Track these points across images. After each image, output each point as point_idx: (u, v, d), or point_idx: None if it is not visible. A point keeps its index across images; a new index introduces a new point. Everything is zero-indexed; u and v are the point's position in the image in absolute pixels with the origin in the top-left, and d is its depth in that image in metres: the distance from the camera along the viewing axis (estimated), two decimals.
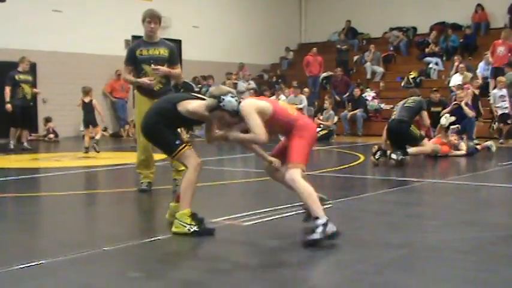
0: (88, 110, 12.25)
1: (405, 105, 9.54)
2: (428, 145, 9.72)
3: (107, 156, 11.50)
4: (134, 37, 18.92)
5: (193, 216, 4.57)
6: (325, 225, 4.18)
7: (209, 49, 20.02)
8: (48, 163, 10.67)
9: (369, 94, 17.79)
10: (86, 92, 12.39)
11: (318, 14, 23.81)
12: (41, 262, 3.74)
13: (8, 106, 12.88)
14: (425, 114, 9.79)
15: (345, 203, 5.94)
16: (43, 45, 16.17)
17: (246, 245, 4.36)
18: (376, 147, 9.30)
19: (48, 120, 16.24)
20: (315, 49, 19.88)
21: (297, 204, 5.62)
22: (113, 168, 9.61)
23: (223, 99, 4.41)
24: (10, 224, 5.35)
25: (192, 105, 4.62)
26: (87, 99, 12.32)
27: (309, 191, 4.44)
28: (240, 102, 4.47)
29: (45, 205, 6.36)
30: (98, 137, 12.19)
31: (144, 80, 6.57)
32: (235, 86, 18.67)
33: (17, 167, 9.72)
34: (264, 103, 4.58)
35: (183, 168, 5.84)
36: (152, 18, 6.66)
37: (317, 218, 4.25)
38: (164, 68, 6.60)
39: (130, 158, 10.56)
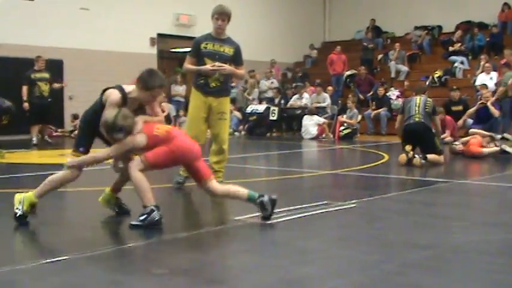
0: None
1: (426, 110, 9.08)
2: (443, 158, 9.25)
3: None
4: (159, 35, 19.03)
5: None
6: (149, 214, 4.55)
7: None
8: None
9: (393, 93, 17.63)
10: None
11: (342, 13, 23.68)
12: (66, 257, 3.74)
13: (25, 105, 13.17)
14: (437, 119, 9.46)
15: (369, 202, 5.88)
16: (70, 43, 16.30)
17: (270, 243, 4.33)
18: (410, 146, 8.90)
19: (75, 117, 16.33)
20: (339, 47, 19.78)
21: (322, 203, 5.59)
22: None
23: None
24: (35, 219, 5.38)
25: None
26: None
27: (140, 181, 4.66)
28: None
29: (69, 200, 6.39)
30: None
31: (206, 66, 6.51)
32: (257, 84, 18.64)
33: (41, 162, 9.78)
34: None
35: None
36: (220, 15, 6.58)
37: (145, 206, 4.58)
38: (229, 67, 6.54)
39: None
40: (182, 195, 6.73)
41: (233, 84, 17.76)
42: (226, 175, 7.09)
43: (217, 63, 6.53)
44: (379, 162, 9.60)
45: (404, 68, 19.74)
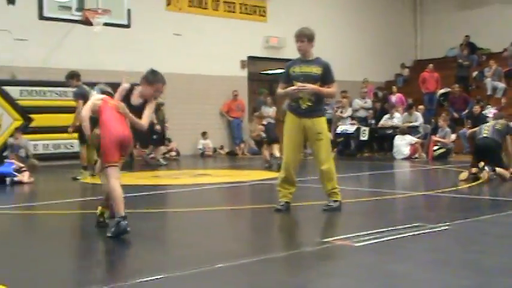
0: None
1: (496, 127, 9.76)
2: (509, 173, 9.61)
3: (223, 174, 11.72)
4: (250, 58, 19.30)
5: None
6: (117, 225, 4.99)
7: None
8: (168, 180, 11.01)
9: (490, 111, 16.98)
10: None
11: (434, 30, 23.16)
12: (159, 277, 3.83)
13: (158, 127, 13.87)
14: (509, 139, 9.91)
15: (463, 224, 5.67)
16: (163, 68, 16.64)
17: (358, 266, 4.25)
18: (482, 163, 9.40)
19: (169, 140, 16.78)
20: (431, 65, 19.34)
21: (414, 225, 5.44)
22: (230, 186, 9.77)
23: None
24: (132, 239, 5.54)
25: None
26: None
27: (114, 190, 5.16)
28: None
29: (165, 221, 6.55)
30: (277, 153, 12.30)
31: (290, 88, 6.59)
32: (350, 103, 18.50)
33: (139, 183, 10.09)
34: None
35: None
36: (298, 37, 6.63)
37: (113, 216, 5.04)
38: (311, 85, 6.50)
39: (245, 176, 10.70)
40: (271, 217, 6.74)
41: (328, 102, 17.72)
42: (314, 195, 7.06)
43: (299, 84, 6.57)
44: (475, 183, 9.25)
45: (502, 85, 19.00)
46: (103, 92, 5.96)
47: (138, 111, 5.58)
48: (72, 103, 14.73)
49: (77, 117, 10.21)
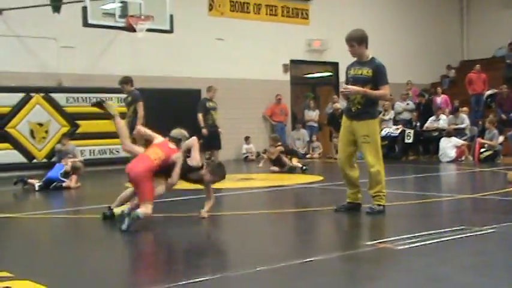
0: None
1: None
2: None
3: (266, 178, 11.76)
4: (292, 61, 19.33)
5: None
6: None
7: None
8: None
9: None
10: None
11: (481, 29, 22.77)
12: (203, 279, 3.90)
13: (204, 131, 13.82)
14: None
15: (510, 228, 5.58)
16: (206, 72, 16.97)
17: (402, 270, 4.23)
18: None
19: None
20: (478, 66, 19.02)
21: (459, 228, 5.39)
22: (273, 190, 9.82)
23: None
24: (176, 242, 5.65)
25: None
26: None
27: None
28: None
29: (208, 225, 6.63)
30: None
31: (342, 90, 6.68)
32: (392, 106, 18.35)
33: (185, 188, 10.16)
34: None
35: None
36: (347, 42, 6.66)
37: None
38: (354, 88, 6.49)
39: (288, 180, 10.72)
40: (314, 220, 6.77)
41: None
42: (363, 199, 7.04)
43: (343, 86, 6.60)
44: None
45: None
46: (172, 137, 6.64)
47: (185, 170, 6.44)
48: (118, 109, 15.19)
49: (141, 118, 10.44)
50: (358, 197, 6.82)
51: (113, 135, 15.86)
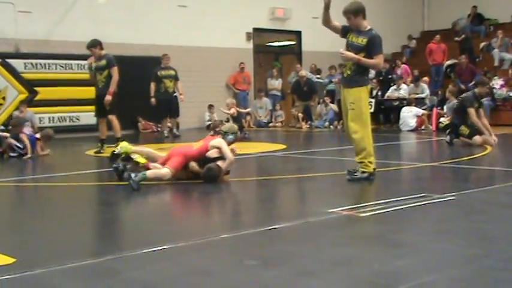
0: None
1: None
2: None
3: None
4: (255, 29, 19.17)
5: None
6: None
7: (329, 39, 19.90)
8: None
9: (497, 82, 16.89)
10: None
11: (442, 0, 22.90)
12: (163, 248, 3.85)
13: (153, 100, 13.83)
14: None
15: (469, 195, 5.66)
16: (169, 40, 16.70)
17: (363, 236, 4.25)
18: None
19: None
20: (438, 36, 19.15)
21: (420, 195, 5.44)
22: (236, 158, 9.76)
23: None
24: (137, 210, 5.58)
25: None
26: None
27: None
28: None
29: (171, 193, 6.57)
30: None
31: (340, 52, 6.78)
32: None
33: None
34: None
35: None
36: (344, 14, 6.77)
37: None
38: (350, 54, 6.63)
39: (251, 148, 10.68)
40: (278, 188, 6.77)
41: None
42: (322, 167, 7.06)
43: (341, 50, 6.75)
44: (481, 154, 9.22)
45: (509, 56, 18.81)
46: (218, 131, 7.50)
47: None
48: (78, 76, 14.93)
49: (114, 83, 10.03)
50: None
51: (73, 102, 15.58)
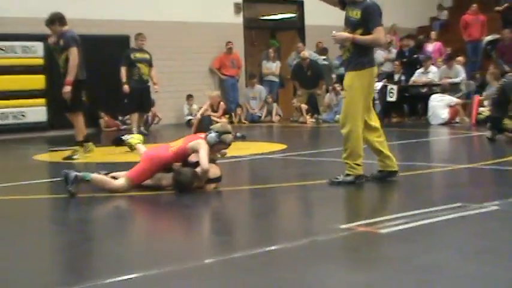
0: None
1: None
2: None
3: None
4: (246, 0, 19.17)
5: None
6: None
7: (338, 11, 19.94)
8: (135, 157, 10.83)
9: None
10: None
11: None
12: (132, 277, 3.85)
13: (126, 87, 13.83)
14: None
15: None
16: (138, 15, 16.68)
17: (383, 258, 4.25)
18: None
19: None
20: (475, 6, 19.18)
21: (455, 205, 5.46)
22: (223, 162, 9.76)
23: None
24: (101, 229, 5.57)
25: None
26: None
27: None
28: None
29: (144, 207, 6.57)
30: None
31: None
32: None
33: (107, 161, 10.03)
34: None
35: None
36: None
37: None
38: (341, 34, 6.83)
39: (243, 149, 10.68)
40: (277, 199, 6.77)
41: None
42: (331, 172, 7.07)
43: (333, 32, 6.89)
44: None
45: None
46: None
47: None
48: (23, 61, 14.88)
49: (72, 69, 9.86)
50: (387, 163, 6.95)
51: (18, 94, 15.47)
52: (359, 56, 6.81)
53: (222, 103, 13.74)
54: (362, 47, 6.78)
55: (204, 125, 11.79)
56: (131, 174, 6.75)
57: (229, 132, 7.04)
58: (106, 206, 6.39)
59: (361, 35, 6.72)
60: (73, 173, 6.53)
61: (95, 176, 6.70)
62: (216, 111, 13.35)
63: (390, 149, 7.13)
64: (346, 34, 6.78)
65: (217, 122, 12.03)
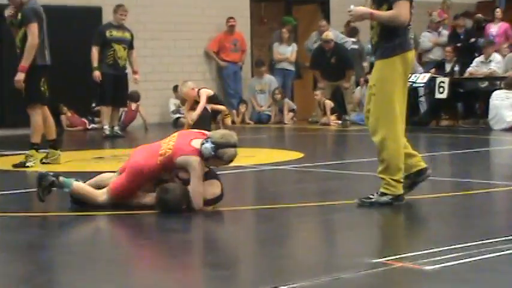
0: None
1: None
2: None
3: None
4: None
5: None
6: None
7: None
8: (111, 164, 10.73)
9: None
10: None
11: None
12: None
13: (97, 73, 14.00)
14: None
15: None
16: None
17: None
18: None
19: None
20: None
21: None
22: (228, 173, 9.82)
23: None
24: (71, 257, 5.64)
25: None
26: None
27: None
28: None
29: (124, 230, 6.62)
30: None
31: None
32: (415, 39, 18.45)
33: (76, 170, 10.08)
34: None
35: None
36: None
37: None
38: (359, 9, 6.92)
39: (246, 157, 10.72)
40: (294, 222, 6.81)
41: None
42: (360, 189, 7.09)
43: (351, 6, 6.94)
44: None
45: None
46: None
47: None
48: None
49: (30, 51, 9.89)
50: (410, 163, 6.97)
51: None
52: (386, 39, 6.84)
53: (201, 90, 12.57)
54: (389, 27, 6.79)
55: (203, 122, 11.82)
56: (112, 188, 6.78)
57: (232, 146, 6.79)
58: (71, 228, 6.42)
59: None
60: (50, 178, 6.57)
61: (76, 185, 6.71)
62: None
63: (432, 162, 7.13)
64: (363, 9, 6.83)
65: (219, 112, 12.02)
